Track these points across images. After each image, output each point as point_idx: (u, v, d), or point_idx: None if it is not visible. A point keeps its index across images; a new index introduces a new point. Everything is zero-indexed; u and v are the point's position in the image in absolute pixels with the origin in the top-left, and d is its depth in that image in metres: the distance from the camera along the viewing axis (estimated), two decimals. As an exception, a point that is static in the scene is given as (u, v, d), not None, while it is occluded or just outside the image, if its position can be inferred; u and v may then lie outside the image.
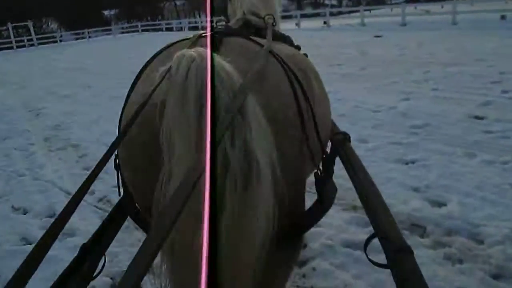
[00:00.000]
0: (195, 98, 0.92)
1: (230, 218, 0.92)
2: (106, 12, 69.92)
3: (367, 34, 17.11)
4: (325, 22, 24.51)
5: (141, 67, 1.41)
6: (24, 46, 32.82)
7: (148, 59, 1.43)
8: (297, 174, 1.25)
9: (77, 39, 39.09)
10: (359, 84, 7.72)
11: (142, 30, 38.85)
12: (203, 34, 1.41)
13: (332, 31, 21.07)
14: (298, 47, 1.85)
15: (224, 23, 2.18)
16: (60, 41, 37.01)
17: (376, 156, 4.26)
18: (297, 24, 26.00)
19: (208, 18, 1.15)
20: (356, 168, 1.39)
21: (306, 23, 26.90)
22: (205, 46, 1.08)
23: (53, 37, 35.63)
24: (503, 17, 16.74)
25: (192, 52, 0.98)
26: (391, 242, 0.96)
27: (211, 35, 1.27)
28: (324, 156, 1.43)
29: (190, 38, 1.43)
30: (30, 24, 34.28)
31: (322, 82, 1.62)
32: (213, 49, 1.12)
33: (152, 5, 66.10)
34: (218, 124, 0.86)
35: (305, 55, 1.76)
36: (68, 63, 18.14)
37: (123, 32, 41.31)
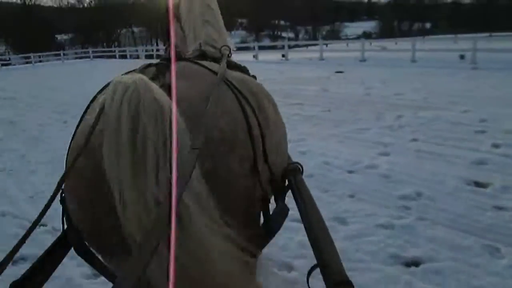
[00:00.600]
0: (129, 132, 0.91)
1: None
2: (60, 37, 67.29)
3: (327, 69, 16.29)
4: (283, 55, 23.74)
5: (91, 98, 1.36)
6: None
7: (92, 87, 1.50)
8: (246, 194, 1.24)
9: (26, 62, 36.56)
10: (325, 130, 6.55)
11: (94, 57, 36.91)
12: (151, 64, 1.43)
13: (291, 64, 20.20)
14: (254, 77, 1.75)
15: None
16: (7, 65, 34.60)
17: (361, 250, 2.98)
18: (254, 56, 25.13)
19: (173, 42, 1.75)
20: (305, 200, 1.35)
21: (264, 55, 26.09)
22: (148, 74, 1.20)
23: None
24: (462, 57, 16.41)
25: (127, 79, 0.97)
26: (333, 274, 0.95)
27: (161, 63, 1.39)
28: (272, 180, 1.38)
29: (136, 69, 1.40)
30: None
31: (277, 107, 1.59)
32: (161, 74, 1.25)
33: (109, 31, 64.18)
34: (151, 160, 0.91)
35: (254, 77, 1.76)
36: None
37: (76, 58, 39.31)
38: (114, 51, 38.02)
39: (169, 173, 0.91)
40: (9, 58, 42.31)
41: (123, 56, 35.96)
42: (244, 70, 1.80)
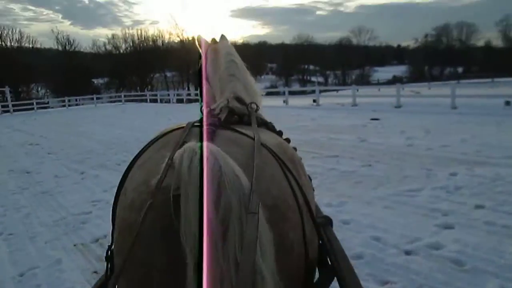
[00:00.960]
0: (212, 203, 0.94)
1: None
2: (96, 81, 69.29)
3: (361, 115, 15.41)
4: (314, 100, 23.07)
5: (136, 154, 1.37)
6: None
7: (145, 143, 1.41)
8: (299, 260, 1.25)
9: (62, 105, 37.27)
10: (369, 191, 5.62)
11: (126, 101, 37.37)
12: (195, 124, 1.45)
13: (322, 110, 19.44)
14: (280, 133, 1.83)
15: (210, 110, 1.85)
16: (46, 107, 35.45)
17: None
18: (285, 101, 24.62)
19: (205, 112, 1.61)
20: (337, 252, 1.40)
21: (294, 101, 25.58)
22: (200, 138, 1.26)
23: (31, 104, 33.56)
24: (508, 103, 15.25)
25: (193, 147, 1.04)
26: None
27: (211, 128, 1.38)
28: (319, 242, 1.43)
29: (183, 126, 1.43)
30: (6, 89, 32.50)
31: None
32: (209, 141, 1.21)
33: (142, 75, 65.71)
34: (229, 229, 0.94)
35: (287, 140, 1.79)
36: (24, 136, 16.16)
37: (109, 101, 39.97)
38: (145, 95, 38.41)
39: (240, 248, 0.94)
40: (48, 102, 43.53)
41: (154, 100, 36.21)
42: (270, 126, 1.83)
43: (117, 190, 1.31)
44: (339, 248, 1.42)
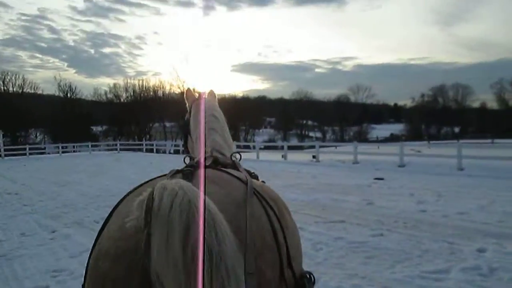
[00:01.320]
0: (181, 238, 0.92)
1: None
2: (95, 128, 68.97)
3: (364, 174, 14.55)
4: (314, 156, 22.31)
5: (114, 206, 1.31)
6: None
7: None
8: None
9: (59, 152, 36.36)
10: (385, 271, 4.65)
11: (122, 149, 36.62)
12: (178, 170, 1.48)
13: (323, 167, 18.60)
14: (263, 182, 1.74)
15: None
16: (42, 153, 34.65)
17: None
18: (283, 156, 23.85)
19: (202, 154, 1.83)
20: None
21: (293, 156, 24.78)
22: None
23: (24, 149, 32.72)
24: (518, 165, 14.44)
25: (173, 184, 1.00)
26: None
27: (187, 169, 1.45)
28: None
29: (166, 174, 1.45)
30: (-1, 133, 31.74)
31: (291, 214, 1.55)
32: (189, 179, 1.29)
33: (141, 124, 65.51)
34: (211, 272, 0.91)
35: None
36: (5, 184, 15.21)
37: (106, 149, 39.24)
38: (142, 145, 37.68)
39: None
40: (44, 147, 42.78)
41: (151, 150, 35.48)
42: (254, 175, 1.82)
43: (96, 238, 1.23)
44: None
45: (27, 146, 32.84)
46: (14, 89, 59.24)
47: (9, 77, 58.56)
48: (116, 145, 37.43)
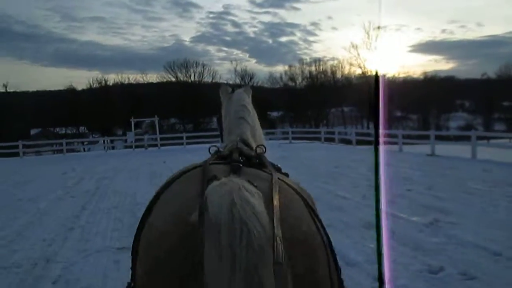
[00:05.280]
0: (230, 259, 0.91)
1: None
2: (271, 113, 63.61)
3: None
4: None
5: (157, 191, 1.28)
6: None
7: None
8: None
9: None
10: None
11: (294, 138, 28.10)
12: (211, 162, 1.43)
13: None
14: (287, 175, 1.71)
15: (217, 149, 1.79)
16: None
17: None
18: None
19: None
20: None
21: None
22: (222, 174, 1.22)
23: (181, 137, 26.79)
24: None
25: (227, 188, 1.00)
26: None
27: (237, 164, 1.39)
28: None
29: (201, 165, 1.38)
30: (156, 120, 26.34)
31: None
32: (237, 174, 1.26)
33: (318, 109, 57.35)
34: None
35: (287, 174, 1.73)
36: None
37: (283, 138, 31.74)
38: (319, 133, 28.61)
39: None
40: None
41: (330, 139, 26.27)
42: (278, 169, 1.72)
43: (140, 227, 1.24)
44: None
45: (184, 135, 26.75)
46: (196, 78, 57.41)
47: (194, 68, 56.95)
48: (287, 133, 28.93)
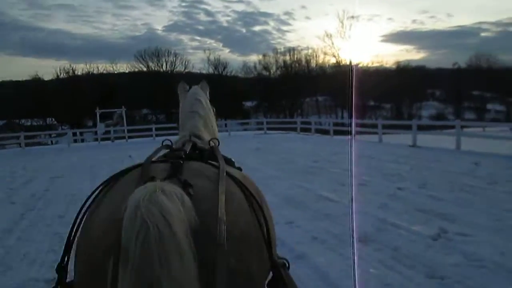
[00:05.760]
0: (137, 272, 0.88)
1: None
2: (246, 104, 62.30)
3: None
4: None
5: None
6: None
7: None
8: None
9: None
10: None
11: (268, 129, 26.98)
12: (153, 160, 1.42)
13: None
14: (240, 169, 1.71)
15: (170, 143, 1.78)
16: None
17: None
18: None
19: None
20: None
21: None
22: (161, 173, 1.20)
23: (150, 129, 25.12)
24: None
25: (142, 192, 0.97)
26: None
27: (177, 161, 1.32)
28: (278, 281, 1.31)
29: (141, 164, 1.35)
30: (122, 111, 24.63)
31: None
32: (178, 172, 1.21)
33: (293, 99, 56.42)
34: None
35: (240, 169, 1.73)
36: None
37: (257, 129, 30.51)
38: (295, 123, 27.62)
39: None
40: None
41: (305, 130, 25.31)
42: (231, 162, 1.73)
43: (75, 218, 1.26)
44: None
45: (153, 126, 24.84)
46: (167, 68, 55.33)
47: (164, 57, 54.85)
48: (262, 123, 27.73)
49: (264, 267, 1.20)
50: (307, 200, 6.72)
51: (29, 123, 49.05)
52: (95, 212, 1.19)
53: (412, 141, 14.78)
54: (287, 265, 1.38)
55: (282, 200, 6.75)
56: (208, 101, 2.36)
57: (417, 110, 64.22)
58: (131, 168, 1.35)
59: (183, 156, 1.44)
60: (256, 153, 14.36)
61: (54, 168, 12.80)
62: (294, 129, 25.62)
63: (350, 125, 23.27)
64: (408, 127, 16.50)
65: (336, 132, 21.57)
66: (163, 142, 1.74)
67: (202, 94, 2.36)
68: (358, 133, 19.33)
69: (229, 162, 1.66)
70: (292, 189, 7.69)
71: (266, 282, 1.29)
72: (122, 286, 0.89)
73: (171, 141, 1.76)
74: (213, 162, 1.44)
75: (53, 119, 50.79)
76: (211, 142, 1.80)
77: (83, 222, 1.21)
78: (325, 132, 23.58)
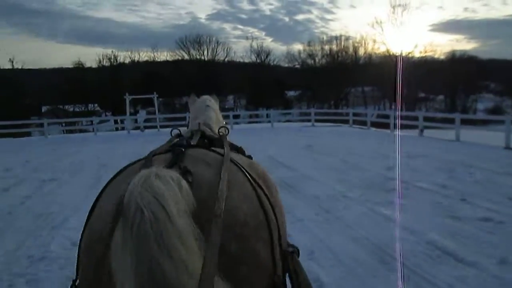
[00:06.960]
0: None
1: None
2: (288, 93, 59.11)
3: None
4: None
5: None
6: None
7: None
8: (270, 276, 1.13)
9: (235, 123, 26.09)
10: None
11: (316, 120, 23.81)
12: (158, 152, 1.34)
13: None
14: (250, 157, 1.64)
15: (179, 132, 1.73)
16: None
17: None
18: None
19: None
20: (301, 283, 1.22)
21: None
22: (159, 164, 1.12)
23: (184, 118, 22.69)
24: None
25: (138, 177, 0.93)
26: None
27: (179, 149, 1.27)
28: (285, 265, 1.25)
29: (146, 157, 1.29)
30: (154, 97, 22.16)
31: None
32: (179, 160, 1.16)
33: (337, 89, 52.60)
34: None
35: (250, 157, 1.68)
36: None
37: (300, 120, 27.37)
38: (346, 114, 24.23)
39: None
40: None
41: (361, 122, 21.96)
42: (240, 150, 1.69)
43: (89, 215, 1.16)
44: (305, 280, 1.24)
45: (187, 115, 22.50)
46: (209, 57, 52.94)
47: (207, 45, 52.57)
48: (309, 114, 24.42)
49: (273, 255, 1.12)
50: (417, 256, 3.75)
51: (71, 109, 48.59)
52: (96, 206, 1.16)
53: (504, 142, 11.30)
54: (297, 251, 1.32)
55: (370, 254, 3.82)
56: (219, 111, 2.37)
57: (472, 103, 58.41)
58: (135, 162, 1.30)
59: (185, 143, 1.36)
60: (307, 152, 11.37)
61: (57, 165, 10.47)
62: (345, 121, 22.32)
63: (415, 119, 19.58)
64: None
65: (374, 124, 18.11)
66: (171, 131, 1.70)
67: (213, 102, 2.37)
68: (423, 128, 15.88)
69: (237, 149, 1.65)
70: (378, 225, 4.71)
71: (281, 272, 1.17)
72: (123, 273, 0.83)
73: (179, 130, 1.69)
74: (217, 149, 1.37)
75: (95, 105, 49.95)
76: (220, 131, 1.79)
77: (86, 218, 1.15)
78: (380, 125, 20.02)
